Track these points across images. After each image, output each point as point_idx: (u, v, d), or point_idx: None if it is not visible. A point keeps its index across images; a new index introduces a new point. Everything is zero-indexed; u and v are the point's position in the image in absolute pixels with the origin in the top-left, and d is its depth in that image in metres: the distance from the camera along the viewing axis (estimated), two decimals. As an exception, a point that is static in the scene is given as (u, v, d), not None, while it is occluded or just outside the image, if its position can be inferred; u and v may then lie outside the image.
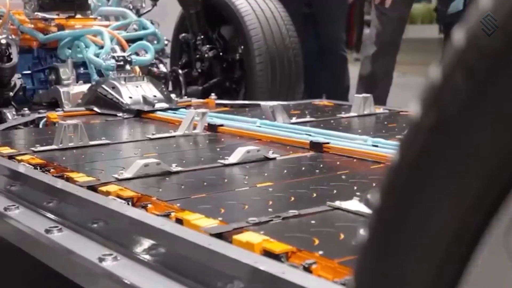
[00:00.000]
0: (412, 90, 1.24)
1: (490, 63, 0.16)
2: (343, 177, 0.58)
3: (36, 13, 1.19)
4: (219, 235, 0.42)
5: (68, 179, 0.60)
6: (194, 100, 1.15)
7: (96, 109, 1.03)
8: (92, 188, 0.56)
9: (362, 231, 0.37)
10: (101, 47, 1.13)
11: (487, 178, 0.17)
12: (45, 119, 0.99)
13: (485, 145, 0.16)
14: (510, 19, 0.15)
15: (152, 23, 1.26)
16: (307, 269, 0.36)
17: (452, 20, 1.30)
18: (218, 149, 0.74)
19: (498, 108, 0.16)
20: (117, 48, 1.13)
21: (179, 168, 0.62)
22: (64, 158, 0.71)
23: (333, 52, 1.64)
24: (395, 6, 1.34)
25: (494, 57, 0.16)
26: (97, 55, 1.12)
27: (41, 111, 1.04)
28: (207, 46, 1.30)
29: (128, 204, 0.52)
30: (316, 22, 1.66)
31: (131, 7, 1.31)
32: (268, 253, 0.38)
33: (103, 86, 1.04)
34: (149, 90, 1.04)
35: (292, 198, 0.51)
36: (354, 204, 0.47)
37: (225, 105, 1.12)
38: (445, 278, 0.18)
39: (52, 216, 0.56)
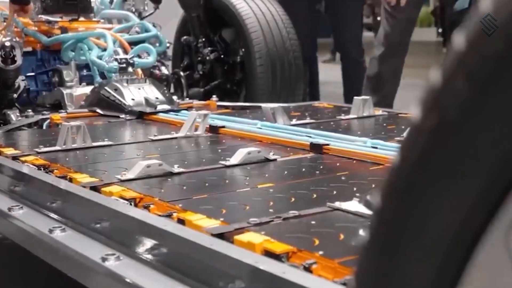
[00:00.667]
0: (410, 92, 1.24)
1: (490, 66, 0.16)
2: (343, 178, 0.58)
3: (39, 15, 1.21)
4: (221, 235, 0.43)
5: (71, 180, 0.61)
6: (196, 102, 1.16)
7: (98, 110, 1.04)
8: (95, 188, 0.57)
9: (363, 232, 0.37)
10: (104, 50, 1.14)
11: (487, 179, 0.17)
12: (48, 120, 1.00)
13: (485, 146, 0.17)
14: (509, 23, 0.16)
15: (154, 26, 1.27)
16: (308, 269, 0.37)
17: (457, 18, 1.31)
18: (219, 151, 0.74)
19: (498, 110, 0.16)
20: (119, 50, 1.15)
21: (181, 169, 0.62)
22: (67, 159, 0.72)
23: (346, 55, 1.63)
24: (403, 7, 1.34)
25: (495, 60, 0.16)
26: (100, 58, 1.13)
27: (44, 112, 1.05)
28: (209, 48, 1.31)
29: (131, 204, 0.52)
30: (332, 26, 1.65)
31: (133, 10, 1.32)
32: (269, 253, 0.39)
33: (106, 88, 1.05)
34: (151, 92, 1.05)
35: (293, 199, 0.51)
36: (354, 205, 0.47)
37: (226, 107, 1.13)
38: (446, 279, 0.18)
39: (55, 216, 0.57)
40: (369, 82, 1.43)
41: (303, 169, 0.64)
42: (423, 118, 0.18)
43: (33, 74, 1.19)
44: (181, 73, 1.33)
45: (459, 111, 0.17)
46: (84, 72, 1.19)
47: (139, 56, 1.17)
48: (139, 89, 1.05)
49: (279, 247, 0.39)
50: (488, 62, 0.16)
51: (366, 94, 1.08)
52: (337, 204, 0.48)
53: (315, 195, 0.52)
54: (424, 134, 0.18)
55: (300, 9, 1.46)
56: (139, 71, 1.16)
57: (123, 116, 1.01)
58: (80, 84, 1.15)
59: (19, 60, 1.06)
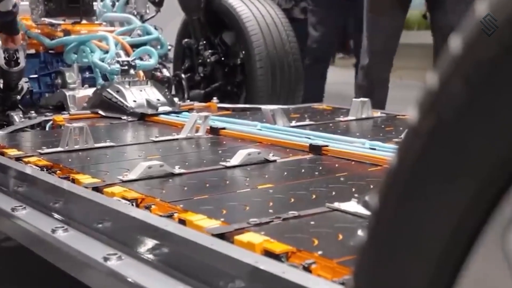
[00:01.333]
0: (408, 93, 1.24)
1: (486, 70, 0.16)
2: (342, 179, 0.59)
3: (43, 18, 1.22)
4: (221, 236, 0.43)
5: (74, 181, 0.62)
6: (197, 104, 1.17)
7: (101, 112, 1.05)
8: (97, 189, 0.58)
9: (361, 232, 0.37)
10: (106, 52, 1.15)
11: (483, 179, 0.17)
12: (51, 122, 1.00)
13: (481, 148, 0.17)
14: (505, 27, 0.16)
15: (155, 28, 1.28)
16: (307, 268, 0.37)
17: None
18: (220, 152, 0.75)
19: (494, 112, 0.17)
20: (121, 53, 1.15)
21: (182, 170, 0.63)
22: (70, 160, 0.72)
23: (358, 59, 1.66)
24: (386, 14, 1.33)
25: (490, 64, 0.16)
26: (102, 60, 1.14)
27: (47, 114, 1.06)
28: (209, 51, 1.32)
29: (133, 205, 0.53)
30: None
31: (135, 13, 1.34)
32: (268, 253, 0.39)
33: (108, 90, 1.06)
34: (152, 94, 1.06)
35: (292, 200, 0.52)
36: (352, 206, 0.48)
37: (226, 109, 1.14)
38: (443, 279, 0.18)
39: (58, 217, 0.57)
40: (359, 90, 1.41)
41: (303, 170, 0.64)
42: (420, 120, 0.18)
43: (36, 76, 1.20)
44: (182, 75, 1.34)
45: (455, 114, 0.17)
46: (87, 74, 1.20)
47: (140, 59, 1.17)
48: (141, 91, 1.06)
49: (278, 247, 0.40)
50: (484, 66, 0.17)
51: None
52: (336, 204, 0.49)
53: (314, 196, 0.53)
54: (421, 136, 0.18)
55: (331, 10, 1.44)
56: (141, 73, 1.17)
57: (125, 117, 1.02)
58: (83, 86, 1.16)
59: (22, 62, 1.07)
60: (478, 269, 0.18)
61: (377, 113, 0.99)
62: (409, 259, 0.19)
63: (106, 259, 0.46)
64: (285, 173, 0.63)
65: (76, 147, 0.77)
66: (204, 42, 1.33)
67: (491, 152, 0.17)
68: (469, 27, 0.17)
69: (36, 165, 0.69)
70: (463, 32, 0.17)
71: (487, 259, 0.18)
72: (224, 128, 0.87)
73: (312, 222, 0.45)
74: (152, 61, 1.18)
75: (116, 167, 0.67)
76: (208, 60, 1.32)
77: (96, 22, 1.28)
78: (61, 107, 1.11)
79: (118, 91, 1.05)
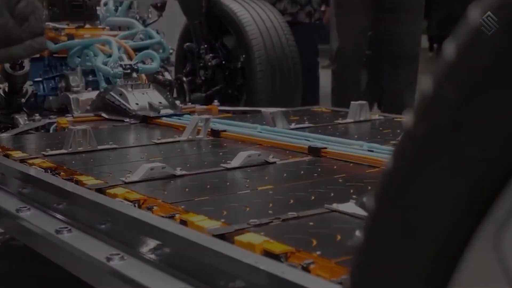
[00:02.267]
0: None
1: (478, 76, 0.17)
2: (340, 180, 0.59)
3: (47, 23, 1.24)
4: (222, 236, 0.44)
5: (77, 182, 0.63)
6: (198, 107, 1.18)
7: (104, 115, 1.06)
8: (100, 190, 0.58)
9: (358, 233, 0.38)
10: (109, 56, 1.17)
11: (477, 182, 0.18)
12: (55, 124, 1.01)
13: (474, 151, 0.17)
14: (498, 35, 0.17)
15: (157, 32, 1.29)
16: (306, 268, 0.38)
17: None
18: (220, 154, 0.76)
19: (486, 117, 0.17)
20: (124, 56, 1.17)
21: (184, 172, 0.64)
22: (73, 162, 0.73)
23: None
24: (352, 18, 1.29)
25: (483, 71, 0.17)
26: (105, 63, 1.15)
27: (51, 116, 1.07)
28: (210, 55, 1.33)
29: (135, 206, 0.54)
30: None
31: (137, 17, 1.35)
32: (268, 254, 0.40)
33: (111, 93, 1.07)
34: (154, 96, 1.07)
35: (291, 201, 0.53)
36: (351, 207, 0.48)
37: (227, 111, 1.15)
38: (436, 279, 0.19)
39: (62, 217, 0.58)
40: (332, 93, 1.38)
41: (302, 172, 0.65)
42: (415, 124, 0.19)
43: (40, 79, 1.21)
44: (184, 79, 1.35)
45: (449, 118, 0.18)
46: (90, 77, 1.22)
47: (143, 62, 1.19)
48: (143, 94, 1.07)
49: (278, 248, 0.40)
50: (477, 72, 0.17)
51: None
52: (335, 205, 0.49)
53: (313, 197, 0.53)
54: (416, 139, 0.19)
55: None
56: (143, 76, 1.18)
57: (127, 120, 1.03)
58: (86, 89, 1.17)
59: (27, 66, 1.09)
60: (472, 269, 0.18)
61: (375, 116, 1.00)
62: (404, 259, 0.20)
63: (109, 259, 0.47)
64: (285, 175, 0.64)
65: (80, 149, 0.78)
66: (205, 46, 1.34)
67: (484, 155, 0.18)
68: (463, 33, 0.18)
69: (40, 167, 0.70)
70: (457, 38, 0.18)
71: (481, 260, 0.18)
72: (224, 131, 0.88)
73: (311, 223, 0.46)
74: (154, 65, 1.19)
75: (119, 168, 0.68)
76: (209, 63, 1.33)
77: (99, 26, 1.30)
78: (65, 110, 1.13)
79: (121, 94, 1.06)
